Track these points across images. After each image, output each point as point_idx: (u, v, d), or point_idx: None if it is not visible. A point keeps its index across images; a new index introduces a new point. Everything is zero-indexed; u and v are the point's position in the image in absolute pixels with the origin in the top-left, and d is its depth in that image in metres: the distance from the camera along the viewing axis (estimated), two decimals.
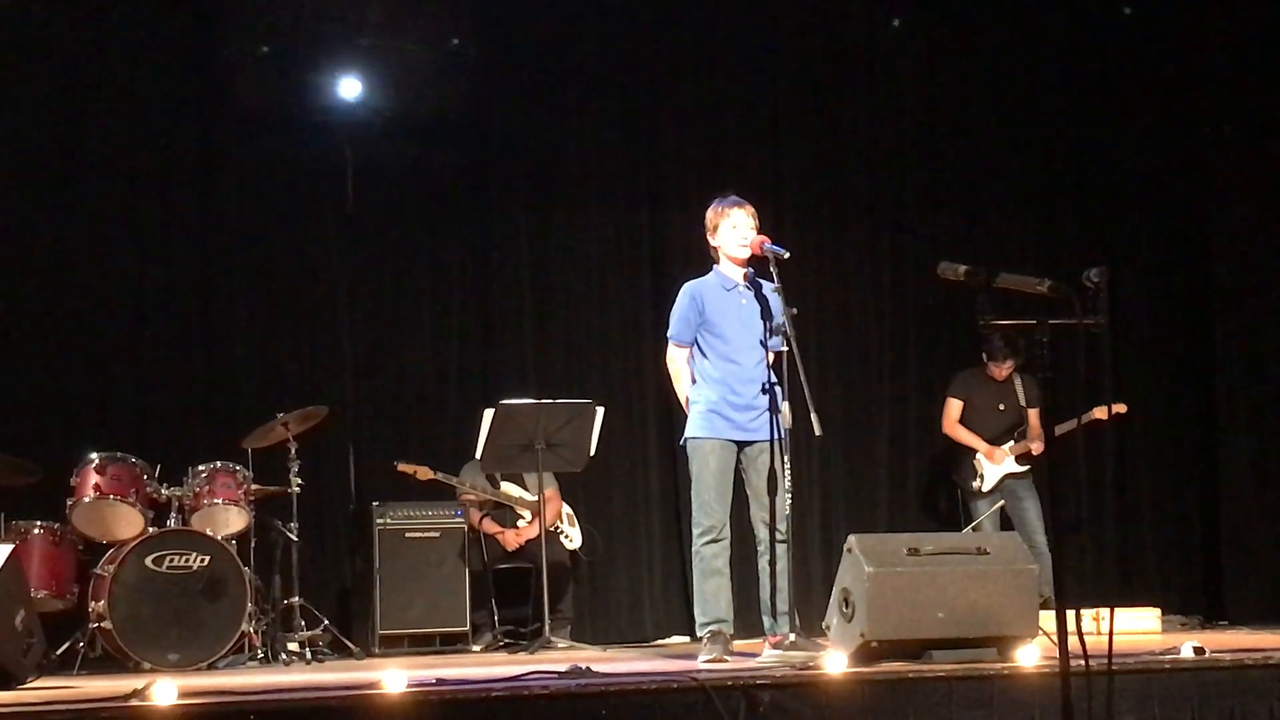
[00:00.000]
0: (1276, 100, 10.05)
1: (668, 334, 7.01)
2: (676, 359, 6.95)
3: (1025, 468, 9.32)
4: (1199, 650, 5.94)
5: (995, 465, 9.34)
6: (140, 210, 9.22)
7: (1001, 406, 9.41)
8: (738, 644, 6.92)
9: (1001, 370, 9.34)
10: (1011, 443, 9.32)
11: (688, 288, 6.95)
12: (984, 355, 9.36)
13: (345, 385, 9.48)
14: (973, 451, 9.41)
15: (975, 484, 9.38)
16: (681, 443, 6.93)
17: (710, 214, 6.93)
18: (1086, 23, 10.38)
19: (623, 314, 9.96)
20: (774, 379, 6.67)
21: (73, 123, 9.10)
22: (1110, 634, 4.47)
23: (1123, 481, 10.40)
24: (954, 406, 9.56)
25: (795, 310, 6.62)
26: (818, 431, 6.52)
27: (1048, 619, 4.89)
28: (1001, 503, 9.25)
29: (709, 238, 6.94)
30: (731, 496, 6.78)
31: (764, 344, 6.73)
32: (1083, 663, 4.45)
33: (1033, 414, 9.29)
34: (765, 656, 6.38)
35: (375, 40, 9.50)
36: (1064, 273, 4.47)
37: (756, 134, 10.19)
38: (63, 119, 9.08)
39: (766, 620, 6.67)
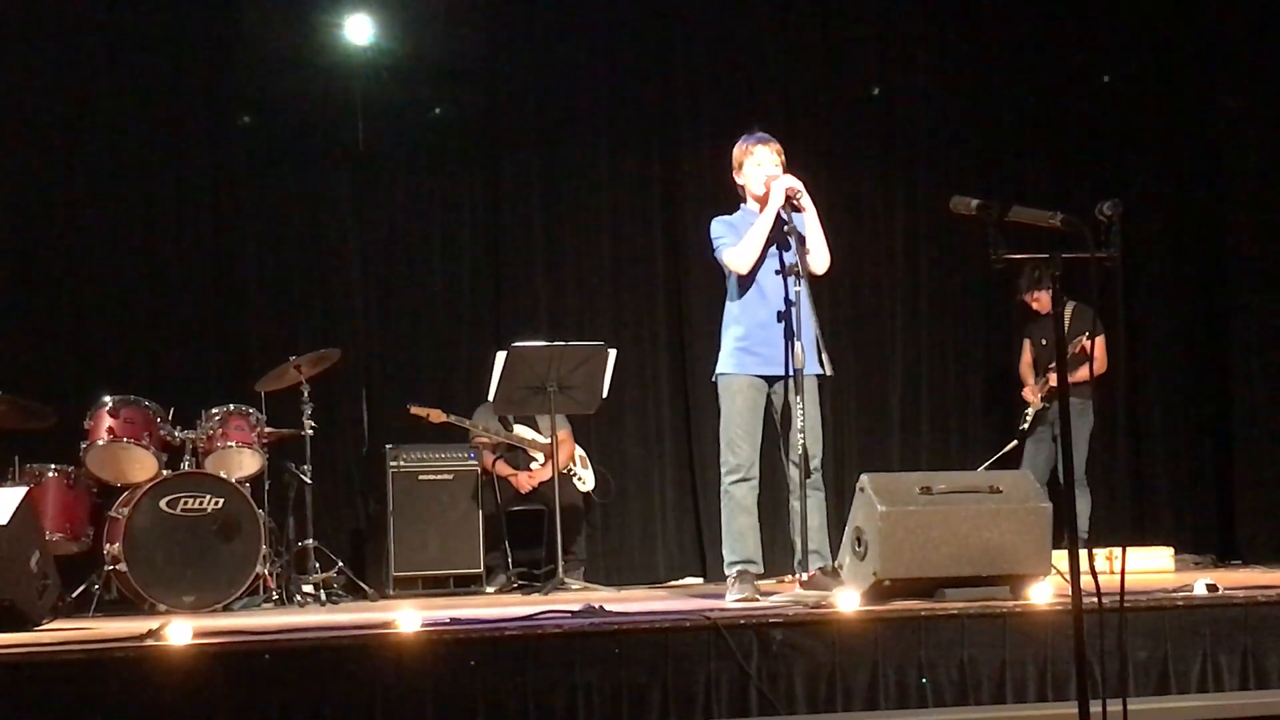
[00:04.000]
0: None
1: (722, 254, 6.67)
2: (736, 247, 6.63)
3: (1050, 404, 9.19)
4: (1212, 588, 5.94)
5: (1032, 406, 9.30)
6: (151, 153, 9.21)
7: (1044, 340, 9.29)
8: (762, 584, 6.85)
9: (1036, 300, 9.21)
10: (1042, 379, 9.23)
11: (719, 219, 6.77)
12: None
13: (358, 328, 9.49)
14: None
15: (1021, 425, 9.32)
16: (713, 379, 6.86)
17: (736, 151, 6.78)
18: None
19: (635, 255, 9.94)
20: (791, 302, 6.52)
21: (83, 65, 9.07)
22: (1123, 572, 4.47)
23: (1135, 420, 10.38)
24: (1026, 349, 9.50)
25: (810, 250, 6.58)
26: (828, 371, 6.49)
27: (1060, 558, 4.89)
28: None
29: (735, 175, 6.83)
30: (761, 435, 6.70)
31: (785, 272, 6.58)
32: (1095, 600, 4.44)
33: (1097, 343, 8.99)
34: (786, 596, 6.37)
35: None
36: (1078, 208, 4.43)
37: (768, 72, 10.11)
38: (73, 61, 9.04)
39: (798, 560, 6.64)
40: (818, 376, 6.60)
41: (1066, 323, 8.82)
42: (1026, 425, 9.31)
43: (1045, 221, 4.39)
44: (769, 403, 6.70)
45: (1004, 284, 9.66)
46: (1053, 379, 9.04)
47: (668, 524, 9.82)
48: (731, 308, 6.75)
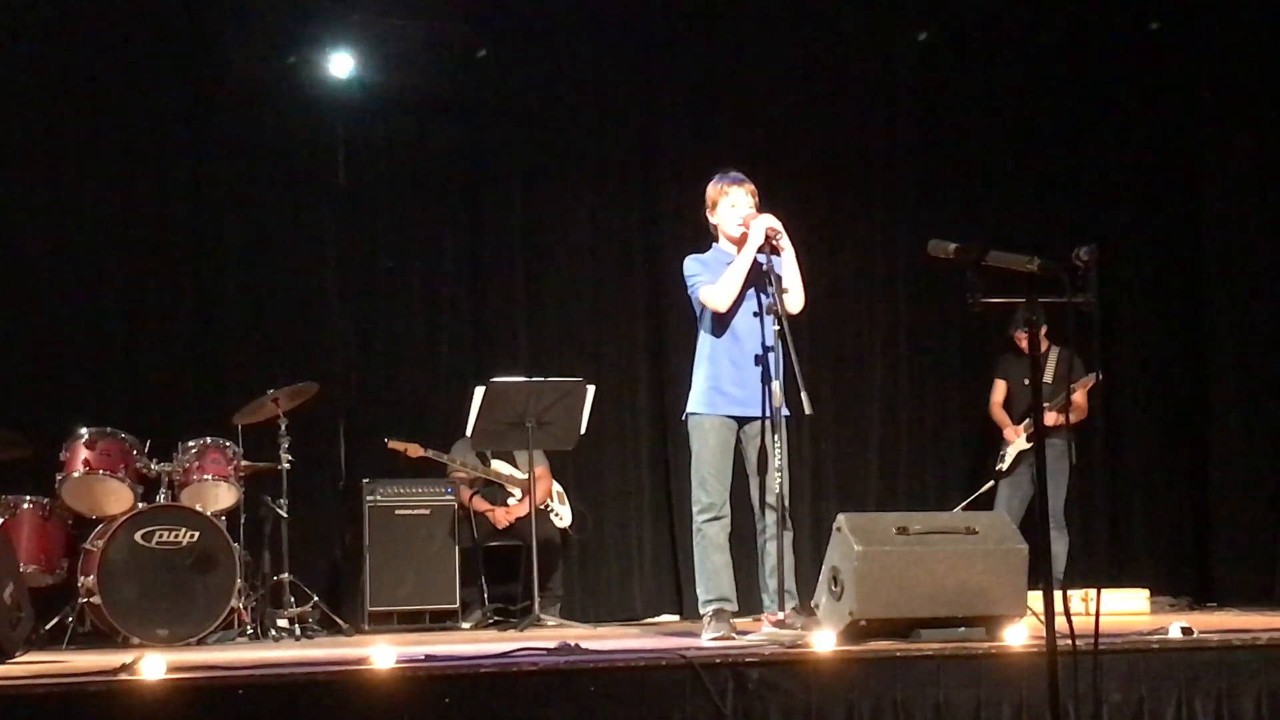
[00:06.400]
0: (1268, 79, 10.02)
1: (698, 292, 6.65)
2: (714, 286, 6.63)
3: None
4: (1187, 631, 5.95)
5: (1013, 446, 9.28)
6: (132, 185, 9.20)
7: (1026, 381, 9.19)
8: (738, 623, 6.81)
9: (1025, 340, 9.13)
10: (1027, 420, 9.19)
11: (692, 257, 6.78)
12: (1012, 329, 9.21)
13: (336, 362, 9.47)
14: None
15: (998, 465, 9.32)
16: (684, 418, 6.87)
17: (710, 190, 6.79)
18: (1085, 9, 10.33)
19: (615, 292, 9.94)
20: (769, 346, 6.51)
21: (63, 94, 9.05)
22: (1098, 614, 4.48)
23: (1113, 463, 10.41)
24: (997, 388, 9.48)
25: (787, 289, 6.59)
26: (808, 410, 6.49)
27: (1036, 599, 4.90)
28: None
29: (708, 214, 6.83)
30: (732, 474, 6.71)
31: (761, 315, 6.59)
32: (1070, 642, 4.45)
33: (1076, 393, 8.80)
34: (759, 635, 6.36)
35: (367, 16, 9.45)
36: (1057, 254, 4.45)
37: (750, 111, 10.14)
38: (53, 90, 9.03)
39: (765, 599, 6.62)
40: (791, 418, 6.61)
41: (1052, 367, 8.96)
42: (1005, 466, 9.30)
43: (1023, 266, 4.41)
44: (738, 443, 6.72)
45: (982, 325, 9.68)
46: (1050, 416, 8.90)
47: (644, 561, 9.80)
48: (704, 347, 6.76)
